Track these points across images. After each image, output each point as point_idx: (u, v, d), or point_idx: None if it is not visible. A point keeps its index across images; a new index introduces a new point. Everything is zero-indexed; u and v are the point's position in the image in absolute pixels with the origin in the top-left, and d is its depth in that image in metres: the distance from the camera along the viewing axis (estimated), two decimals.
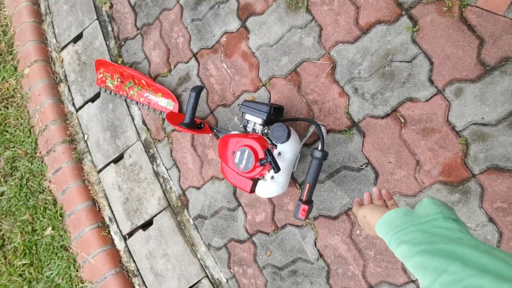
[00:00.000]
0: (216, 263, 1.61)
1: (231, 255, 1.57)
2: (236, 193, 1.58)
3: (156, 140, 1.78)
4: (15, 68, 2.20)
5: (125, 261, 1.83)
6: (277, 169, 1.18)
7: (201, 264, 1.64)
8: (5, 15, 2.29)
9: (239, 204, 1.56)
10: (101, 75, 1.88)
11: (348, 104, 1.35)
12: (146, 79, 1.72)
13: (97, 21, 2.00)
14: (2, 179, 2.10)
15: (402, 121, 1.26)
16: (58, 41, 2.15)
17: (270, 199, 1.51)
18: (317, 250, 1.40)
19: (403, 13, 1.27)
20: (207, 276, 1.62)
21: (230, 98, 1.60)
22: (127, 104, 1.87)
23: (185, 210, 1.69)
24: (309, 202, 1.21)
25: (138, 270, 1.79)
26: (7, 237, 2.07)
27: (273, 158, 1.19)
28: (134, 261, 1.81)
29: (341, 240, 1.36)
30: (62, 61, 2.11)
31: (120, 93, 1.84)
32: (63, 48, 2.12)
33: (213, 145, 1.63)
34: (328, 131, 1.39)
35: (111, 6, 1.95)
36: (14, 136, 2.12)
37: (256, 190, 1.34)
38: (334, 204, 1.38)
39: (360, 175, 1.33)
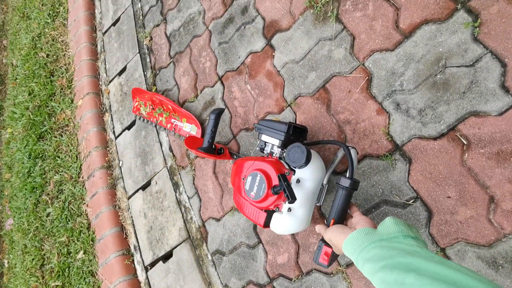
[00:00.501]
0: None
1: None
2: (256, 227, 1.21)
3: (180, 167, 1.50)
4: (72, 101, 2.12)
5: None
6: (291, 198, 0.81)
7: None
8: (69, 55, 2.27)
9: (260, 241, 1.19)
10: (136, 103, 1.70)
11: (389, 123, 0.95)
12: (172, 104, 1.49)
13: (138, 55, 1.85)
14: (49, 201, 1.97)
15: (465, 142, 0.83)
16: (107, 75, 2.05)
17: (294, 238, 1.11)
18: None
19: (458, 6, 0.88)
20: None
21: (253, 121, 1.28)
22: (157, 131, 1.64)
23: (204, 244, 1.35)
24: None
25: None
26: (46, 257, 1.89)
27: (288, 185, 0.83)
28: None
29: None
30: (108, 93, 1.99)
31: (151, 119, 1.63)
32: (110, 81, 2.00)
33: None
34: (363, 157, 0.99)
35: (151, 39, 1.80)
36: (63, 162, 2.00)
37: (271, 224, 0.98)
38: None
39: (406, 213, 0.90)
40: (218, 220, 1.31)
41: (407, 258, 0.48)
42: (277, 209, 0.94)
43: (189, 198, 1.43)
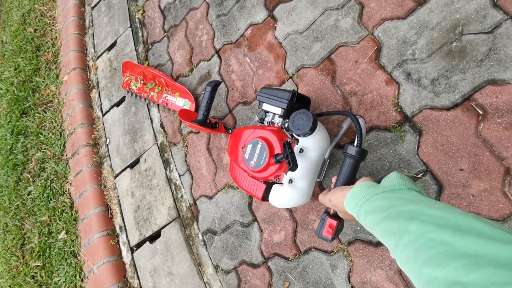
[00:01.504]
0: None
1: (242, 282, 1.09)
2: (251, 205, 1.12)
3: (172, 144, 1.39)
4: (57, 76, 1.97)
5: (129, 276, 1.40)
6: (293, 164, 0.72)
7: None
8: (56, 29, 2.11)
9: (255, 219, 1.10)
10: (127, 78, 1.57)
11: (398, 94, 0.88)
12: (166, 78, 1.37)
13: (130, 29, 1.72)
14: (31, 179, 1.81)
15: (480, 112, 0.77)
16: (95, 51, 1.90)
17: (292, 215, 1.03)
18: (352, 287, 0.89)
19: None
20: None
21: (251, 95, 1.19)
22: (148, 107, 1.52)
23: (195, 223, 1.25)
24: (338, 217, 0.74)
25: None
26: (27, 237, 1.74)
27: (291, 151, 0.74)
28: (138, 277, 1.37)
29: (386, 276, 0.84)
30: (96, 69, 1.85)
31: (142, 95, 1.51)
32: (99, 57, 1.86)
33: None
34: (370, 129, 0.91)
35: (143, 13, 1.68)
36: (46, 139, 1.84)
37: (269, 197, 0.89)
38: None
39: None
40: (210, 198, 1.21)
41: (410, 206, 0.44)
42: (277, 180, 0.85)
43: (180, 176, 1.33)
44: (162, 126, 1.44)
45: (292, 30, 1.12)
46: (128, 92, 1.57)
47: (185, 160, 1.32)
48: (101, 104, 1.75)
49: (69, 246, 1.57)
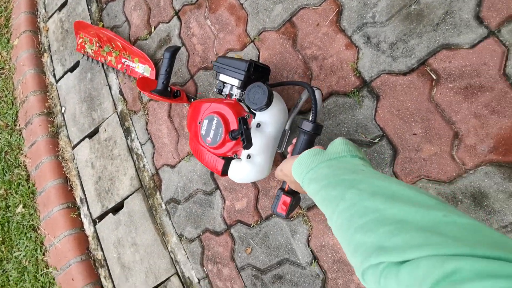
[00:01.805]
0: (187, 258, 1.13)
1: (205, 250, 1.09)
2: (214, 173, 1.10)
3: (132, 112, 1.31)
4: (8, 40, 1.78)
5: (92, 248, 1.37)
6: (248, 142, 0.71)
7: (171, 258, 1.16)
8: None
9: (217, 187, 1.08)
10: (80, 40, 1.43)
11: (357, 58, 0.86)
12: (122, 41, 1.26)
13: None
14: None
15: (434, 77, 0.77)
16: (46, 11, 1.72)
17: (253, 182, 1.02)
18: (311, 250, 0.91)
19: None
20: (177, 274, 1.14)
21: (212, 59, 1.13)
22: (105, 72, 1.42)
23: (158, 192, 1.22)
24: (293, 193, 0.74)
25: (105, 259, 1.32)
26: None
27: (246, 129, 0.72)
28: (102, 249, 1.34)
29: None
30: (47, 31, 1.68)
31: (99, 59, 1.39)
32: (50, 18, 1.69)
33: None
34: (329, 94, 0.90)
35: None
36: None
37: (229, 173, 0.87)
38: None
39: (371, 152, 0.83)
40: (173, 167, 1.18)
41: (351, 175, 0.45)
42: (235, 155, 0.83)
43: (141, 145, 1.27)
44: (121, 93, 1.35)
45: None
46: (83, 55, 1.45)
47: (146, 129, 1.26)
48: (53, 70, 1.61)
49: (28, 220, 1.49)
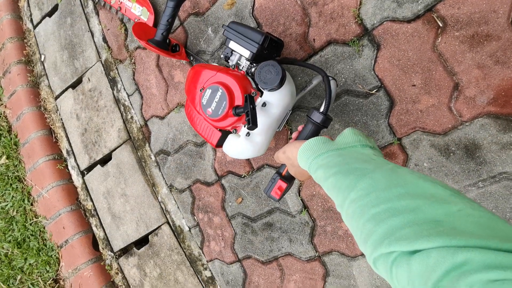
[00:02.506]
0: (178, 208, 1.11)
1: (196, 200, 1.07)
2: None
3: (118, 61, 1.21)
4: None
5: (82, 198, 1.33)
6: (253, 124, 0.65)
7: (162, 208, 1.14)
8: None
9: None
10: None
11: (360, 4, 0.79)
12: None
13: None
14: None
15: (440, 24, 0.71)
16: None
17: None
18: (301, 200, 0.90)
19: None
20: (168, 222, 1.13)
21: (204, 4, 1.02)
22: (86, 18, 1.28)
23: (147, 144, 1.17)
24: (289, 179, 0.70)
25: (95, 209, 1.29)
26: None
27: (253, 108, 0.66)
28: (91, 199, 1.31)
29: None
30: None
31: None
32: None
33: (182, 66, 1.07)
34: (328, 43, 0.83)
35: None
36: None
37: (224, 145, 0.82)
38: None
39: (367, 103, 0.79)
40: (162, 118, 1.11)
41: (363, 164, 0.44)
42: (234, 131, 0.77)
43: (128, 96, 1.19)
44: (105, 40, 1.23)
45: None
46: None
47: (134, 79, 1.17)
48: (31, 15, 1.45)
49: (13, 171, 1.42)
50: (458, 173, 0.72)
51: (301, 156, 0.55)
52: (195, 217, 1.07)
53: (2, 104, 1.48)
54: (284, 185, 0.70)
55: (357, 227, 0.37)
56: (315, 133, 0.67)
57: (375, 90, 0.78)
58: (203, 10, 1.02)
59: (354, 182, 0.41)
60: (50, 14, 1.38)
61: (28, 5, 1.47)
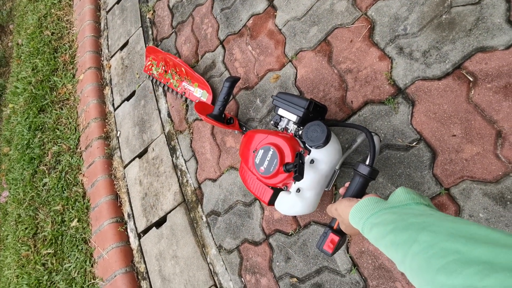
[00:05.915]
0: (226, 269, 1.15)
1: (243, 260, 1.11)
2: None
3: (178, 132, 1.44)
4: (73, 75, 2.07)
5: (136, 261, 1.44)
6: (300, 175, 0.74)
7: (210, 270, 1.19)
8: (73, 33, 2.23)
9: (256, 198, 1.12)
10: (149, 63, 1.62)
11: (391, 68, 0.90)
12: (186, 67, 1.41)
13: (141, 28, 1.81)
14: (46, 171, 1.89)
15: (471, 79, 0.78)
16: (109, 51, 2.00)
17: None
18: (350, 257, 0.90)
19: None
20: (215, 285, 1.16)
21: (253, 80, 1.23)
22: (156, 99, 1.59)
23: (199, 206, 1.28)
24: (342, 232, 0.73)
25: (147, 272, 1.38)
26: (40, 226, 1.80)
27: (302, 163, 0.76)
28: (144, 261, 1.40)
29: None
30: (110, 68, 1.94)
31: (162, 80, 1.56)
32: (112, 56, 1.96)
33: (233, 133, 1.24)
34: (365, 104, 0.94)
35: (154, 12, 1.77)
36: (62, 133, 1.93)
37: (275, 203, 0.90)
38: None
39: (409, 156, 0.84)
40: (214, 180, 1.25)
41: (420, 218, 0.43)
42: (285, 187, 0.88)
43: (185, 161, 1.37)
44: (169, 115, 1.50)
45: (291, 17, 1.17)
46: (149, 76, 1.62)
47: (191, 146, 1.37)
48: (113, 100, 1.83)
49: (81, 234, 1.62)
50: None
51: (353, 215, 0.56)
52: (242, 279, 1.09)
53: (81, 173, 1.77)
54: (336, 238, 0.71)
55: (426, 282, 0.36)
56: (363, 185, 0.70)
57: (415, 143, 0.83)
58: (252, 85, 1.22)
59: (413, 236, 0.40)
60: (128, 98, 1.73)
61: (111, 92, 1.87)
